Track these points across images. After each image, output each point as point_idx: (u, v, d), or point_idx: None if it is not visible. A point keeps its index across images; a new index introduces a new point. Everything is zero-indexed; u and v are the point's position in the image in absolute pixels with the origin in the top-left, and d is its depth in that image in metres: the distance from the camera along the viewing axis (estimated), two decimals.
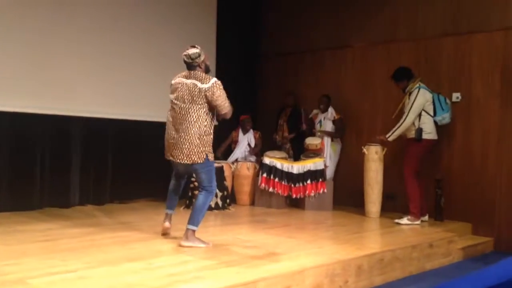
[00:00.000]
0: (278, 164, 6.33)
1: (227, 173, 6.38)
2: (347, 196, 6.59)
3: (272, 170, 6.31)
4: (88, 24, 5.89)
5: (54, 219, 4.98)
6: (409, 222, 5.44)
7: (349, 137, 6.86)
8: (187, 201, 6.03)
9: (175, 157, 3.94)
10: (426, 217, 5.69)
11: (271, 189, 6.28)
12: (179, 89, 3.93)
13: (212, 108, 3.92)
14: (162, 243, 4.04)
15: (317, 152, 6.49)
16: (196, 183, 5.93)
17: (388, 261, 4.14)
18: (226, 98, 3.94)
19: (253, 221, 5.56)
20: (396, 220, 5.51)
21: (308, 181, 6.22)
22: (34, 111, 5.43)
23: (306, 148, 6.65)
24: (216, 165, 6.17)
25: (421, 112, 5.47)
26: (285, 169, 6.32)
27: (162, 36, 6.67)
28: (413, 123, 5.49)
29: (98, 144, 6.12)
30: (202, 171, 3.96)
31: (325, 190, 6.24)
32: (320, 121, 6.80)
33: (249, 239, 4.34)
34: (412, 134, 5.51)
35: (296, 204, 6.39)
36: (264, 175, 6.31)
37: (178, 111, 3.90)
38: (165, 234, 4.25)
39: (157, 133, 6.62)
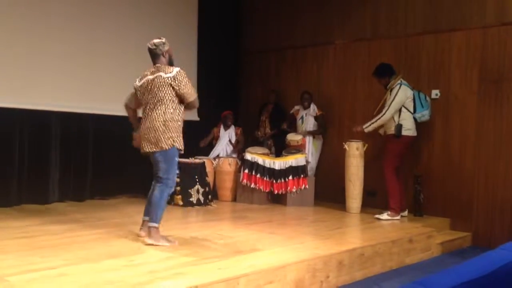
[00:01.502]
0: (260, 160, 6.34)
1: (208, 169, 6.36)
2: (328, 192, 6.63)
3: (254, 166, 6.31)
4: (68, 20, 5.82)
5: (32, 216, 4.91)
6: (389, 218, 5.51)
7: (330, 133, 6.90)
8: (168, 197, 5.97)
9: (144, 147, 3.91)
10: (405, 213, 5.77)
11: (253, 185, 6.29)
12: (144, 87, 3.94)
13: (178, 96, 3.87)
14: (143, 239, 4.01)
15: (298, 148, 6.52)
16: (177, 179, 5.90)
17: (369, 256, 4.18)
18: (192, 87, 3.92)
19: (235, 217, 5.57)
20: (376, 216, 5.57)
21: (290, 177, 6.24)
22: (12, 106, 5.33)
23: (287, 144, 6.68)
24: (197, 161, 6.21)
25: (401, 108, 5.53)
26: (267, 165, 6.33)
27: (142, 32, 6.58)
28: (393, 119, 5.55)
29: (78, 139, 6.04)
30: (163, 159, 3.87)
31: (307, 186, 6.27)
32: (302, 117, 6.82)
33: (230, 235, 4.34)
34: (391, 130, 5.57)
35: (277, 200, 6.42)
36: (246, 171, 6.31)
37: (147, 107, 3.92)
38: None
39: None
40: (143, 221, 4.05)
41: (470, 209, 5.67)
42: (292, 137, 6.65)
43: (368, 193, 6.13)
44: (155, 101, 3.86)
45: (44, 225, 4.48)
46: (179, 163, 5.82)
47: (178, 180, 5.86)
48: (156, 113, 3.84)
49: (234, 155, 6.84)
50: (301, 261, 3.58)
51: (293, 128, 6.94)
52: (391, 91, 5.60)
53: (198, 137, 7.02)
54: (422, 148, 6.02)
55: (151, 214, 3.84)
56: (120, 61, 6.34)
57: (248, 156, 6.37)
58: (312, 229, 4.99)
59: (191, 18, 7.24)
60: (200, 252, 3.64)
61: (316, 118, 6.77)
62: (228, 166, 6.57)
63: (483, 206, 5.58)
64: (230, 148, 6.94)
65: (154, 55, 3.96)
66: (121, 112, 6.31)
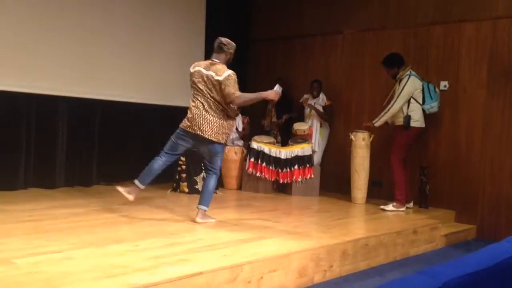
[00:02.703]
0: (266, 149, 6.34)
1: None
2: (333, 182, 6.63)
3: (259, 155, 6.32)
4: (79, 5, 5.81)
5: (39, 200, 4.95)
6: (394, 209, 5.50)
7: (337, 123, 6.89)
8: (174, 184, 6.02)
9: (196, 130, 4.20)
10: (411, 204, 5.77)
11: (258, 174, 6.30)
12: (198, 77, 4.25)
13: (223, 97, 4.18)
14: (148, 225, 4.05)
15: (305, 138, 6.51)
16: (183, 167, 5.94)
17: (373, 246, 4.19)
18: (235, 89, 4.17)
19: (240, 205, 5.59)
20: (382, 207, 5.57)
21: (296, 167, 6.24)
22: (20, 90, 5.35)
23: (294, 133, 6.67)
24: None
25: (410, 99, 5.50)
26: (273, 154, 6.33)
27: (151, 19, 6.60)
28: (402, 110, 5.52)
29: (85, 124, 6.06)
30: (221, 151, 4.32)
31: (312, 176, 6.27)
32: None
33: (235, 222, 4.36)
34: (400, 121, 5.54)
35: (283, 189, 6.43)
36: (252, 159, 6.32)
37: (201, 96, 4.23)
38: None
39: (144, 115, 6.64)
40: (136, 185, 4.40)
41: (476, 201, 5.65)
42: (299, 126, 6.64)
43: (373, 184, 6.13)
44: (214, 97, 4.19)
45: (51, 209, 4.52)
46: (186, 150, 5.88)
47: (184, 167, 5.93)
48: (216, 108, 4.20)
49: (240, 144, 6.84)
50: (305, 250, 3.59)
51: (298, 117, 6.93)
52: (400, 82, 5.56)
53: None
54: (429, 139, 5.99)
55: (202, 199, 4.30)
56: (129, 48, 6.34)
57: (254, 145, 6.37)
58: (316, 218, 5.00)
59: (199, 6, 7.21)
60: (204, 239, 3.66)
61: (324, 108, 6.75)
62: (234, 154, 6.57)
63: (489, 198, 5.57)
64: (235, 135, 6.94)
65: (219, 50, 4.30)
66: (128, 98, 6.36)
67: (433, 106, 5.58)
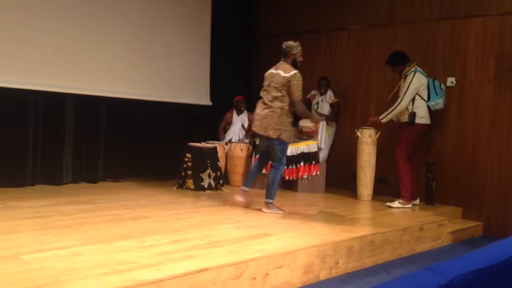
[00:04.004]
0: None
1: (220, 153, 6.38)
2: (339, 179, 6.62)
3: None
4: (86, 3, 5.83)
5: (47, 196, 4.98)
6: (400, 206, 5.49)
7: (343, 120, 6.87)
8: (180, 181, 6.03)
9: (256, 129, 4.70)
10: (417, 201, 5.75)
11: (264, 171, 6.29)
12: (267, 78, 4.76)
13: (288, 95, 4.58)
14: (154, 222, 4.06)
15: (311, 135, 6.50)
16: (189, 164, 5.96)
17: (379, 243, 4.18)
18: (299, 89, 4.56)
19: (246, 201, 5.57)
20: (388, 204, 5.56)
21: (301, 163, 6.24)
22: (27, 87, 5.38)
23: (300, 130, 6.65)
24: (209, 145, 6.23)
25: (415, 96, 5.47)
26: None
27: (157, 16, 6.61)
28: (407, 107, 5.49)
29: (91, 121, 6.09)
30: (275, 147, 4.63)
31: (318, 173, 6.27)
32: (318, 103, 6.79)
33: (241, 219, 4.37)
34: (405, 118, 5.52)
35: (288, 186, 6.42)
36: (258, 156, 6.31)
37: (265, 95, 4.70)
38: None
39: (151, 112, 6.65)
40: (241, 189, 4.93)
41: (483, 198, 5.63)
42: (305, 123, 6.61)
43: (379, 181, 6.11)
44: (273, 94, 4.61)
45: (58, 205, 4.55)
46: (191, 147, 5.95)
47: (189, 164, 5.94)
48: (273, 106, 4.59)
49: (246, 140, 6.84)
50: (310, 246, 3.59)
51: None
52: (405, 78, 5.54)
53: (210, 122, 7.05)
54: (436, 136, 5.96)
55: (266, 192, 4.75)
56: (135, 45, 6.35)
57: None
58: (322, 215, 4.99)
59: (205, 2, 7.20)
60: (210, 235, 3.67)
61: (331, 105, 6.74)
62: (240, 151, 6.58)
63: (496, 195, 5.54)
64: (242, 133, 6.94)
65: (283, 53, 4.73)
66: (134, 95, 6.39)
67: (438, 102, 5.54)
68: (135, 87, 6.38)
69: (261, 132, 4.65)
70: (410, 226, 4.61)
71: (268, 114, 4.60)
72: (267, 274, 3.22)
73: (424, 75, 5.54)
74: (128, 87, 6.32)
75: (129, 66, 6.33)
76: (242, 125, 6.95)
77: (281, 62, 4.73)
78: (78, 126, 5.95)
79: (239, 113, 6.98)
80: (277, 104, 4.59)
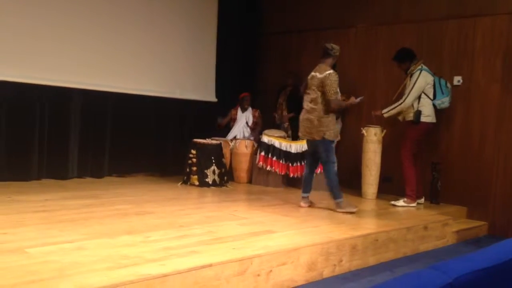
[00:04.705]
0: (277, 143, 6.34)
1: (225, 150, 6.39)
2: (344, 177, 6.58)
3: (270, 149, 6.32)
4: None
5: (52, 191, 5.01)
6: (405, 204, 5.48)
7: (349, 118, 6.85)
8: (185, 177, 6.05)
9: (301, 134, 4.92)
10: (422, 200, 5.73)
11: (268, 168, 6.30)
12: (308, 81, 4.87)
13: (324, 94, 4.68)
14: (159, 217, 4.08)
15: None
16: (194, 160, 5.97)
17: (383, 242, 4.18)
18: (334, 89, 4.66)
19: (250, 198, 5.60)
20: (392, 202, 5.54)
21: None
22: (33, 82, 5.40)
23: None
24: (214, 142, 6.24)
25: (420, 94, 5.45)
26: (283, 148, 6.33)
27: (163, 12, 6.61)
28: (412, 106, 5.47)
29: (97, 116, 6.11)
30: (322, 146, 4.75)
31: (323, 170, 6.24)
32: None
33: (245, 216, 4.37)
34: (410, 116, 5.50)
35: (293, 183, 6.42)
36: (262, 153, 6.32)
37: (305, 99, 4.84)
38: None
39: (156, 108, 6.66)
40: (302, 197, 5.02)
41: (488, 198, 5.61)
42: None
43: (384, 179, 6.09)
44: (312, 97, 4.75)
45: (63, 200, 4.57)
46: (196, 143, 5.96)
47: (194, 160, 5.95)
48: (313, 109, 4.74)
49: (251, 138, 6.85)
50: (314, 244, 3.59)
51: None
52: (411, 76, 5.52)
53: (214, 118, 7.05)
54: (441, 135, 5.94)
55: (331, 193, 4.85)
56: (140, 41, 6.36)
57: (265, 139, 6.37)
58: (326, 213, 4.99)
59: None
60: (214, 232, 3.67)
61: None
62: (245, 148, 6.58)
63: (502, 195, 5.51)
64: (247, 130, 6.94)
65: (324, 53, 4.83)
66: (140, 91, 6.40)
67: (444, 101, 5.52)
68: (141, 83, 6.39)
69: (306, 137, 4.86)
70: (414, 225, 4.60)
71: (309, 118, 4.76)
72: (271, 271, 3.22)
73: (430, 73, 5.51)
74: (134, 83, 6.33)
75: (135, 62, 6.34)
76: (247, 122, 6.94)
77: (319, 64, 4.83)
78: (84, 121, 5.97)
79: (244, 110, 6.98)
80: (314, 106, 4.72)
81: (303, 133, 4.90)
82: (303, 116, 4.88)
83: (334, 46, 4.87)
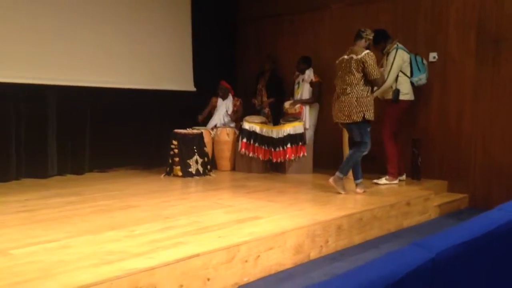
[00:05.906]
0: (258, 128, 6.34)
1: (207, 139, 6.36)
2: (327, 158, 6.64)
3: (251, 135, 6.31)
4: None
5: (32, 190, 4.94)
6: (387, 182, 5.54)
7: (327, 99, 6.84)
8: (168, 168, 6.01)
9: (337, 118, 4.90)
10: (403, 177, 5.80)
11: (251, 154, 6.31)
12: (340, 65, 4.92)
13: (365, 75, 4.74)
14: (143, 210, 4.05)
15: (296, 116, 6.50)
16: (176, 151, 5.93)
17: (367, 220, 4.23)
18: (376, 67, 4.74)
19: (234, 186, 5.60)
20: (375, 181, 5.60)
21: (288, 145, 6.24)
22: (7, 80, 5.28)
23: (285, 112, 6.66)
24: (195, 131, 6.20)
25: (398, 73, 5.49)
26: (265, 134, 6.33)
27: (136, 3, 6.51)
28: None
29: (74, 112, 6.01)
30: (357, 128, 4.80)
31: (305, 154, 6.28)
32: (299, 83, 6.75)
33: (230, 203, 4.38)
34: (389, 95, 5.54)
35: (276, 168, 6.44)
36: (244, 140, 6.31)
37: (341, 82, 4.86)
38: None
39: (135, 101, 6.58)
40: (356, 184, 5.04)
41: (468, 171, 5.71)
42: (289, 106, 6.61)
43: (366, 159, 6.13)
44: (348, 80, 4.77)
45: (44, 198, 4.51)
46: (177, 134, 5.93)
47: (176, 151, 5.92)
48: (350, 91, 4.76)
49: (232, 125, 6.82)
50: (300, 227, 3.62)
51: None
52: (388, 56, 5.54)
53: (195, 107, 7.00)
54: (420, 111, 6.00)
55: (340, 166, 4.88)
56: (118, 32, 6.26)
57: (246, 125, 6.36)
58: (311, 195, 5.03)
59: None
60: (200, 221, 3.67)
61: (311, 84, 6.68)
62: (226, 136, 6.56)
63: (481, 168, 5.62)
64: (227, 118, 6.91)
65: (358, 36, 4.91)
66: (118, 84, 6.30)
67: (421, 78, 5.57)
68: (118, 76, 6.30)
69: (346, 121, 4.83)
70: (397, 201, 4.67)
71: (346, 100, 4.77)
72: (258, 256, 3.24)
73: (406, 51, 5.55)
74: (109, 76, 6.23)
75: (111, 55, 6.24)
76: (226, 111, 6.90)
77: (351, 47, 4.89)
78: (61, 118, 5.87)
79: (224, 98, 6.94)
80: (351, 88, 4.74)
81: (340, 117, 4.88)
82: (338, 99, 4.88)
83: (367, 29, 4.96)
